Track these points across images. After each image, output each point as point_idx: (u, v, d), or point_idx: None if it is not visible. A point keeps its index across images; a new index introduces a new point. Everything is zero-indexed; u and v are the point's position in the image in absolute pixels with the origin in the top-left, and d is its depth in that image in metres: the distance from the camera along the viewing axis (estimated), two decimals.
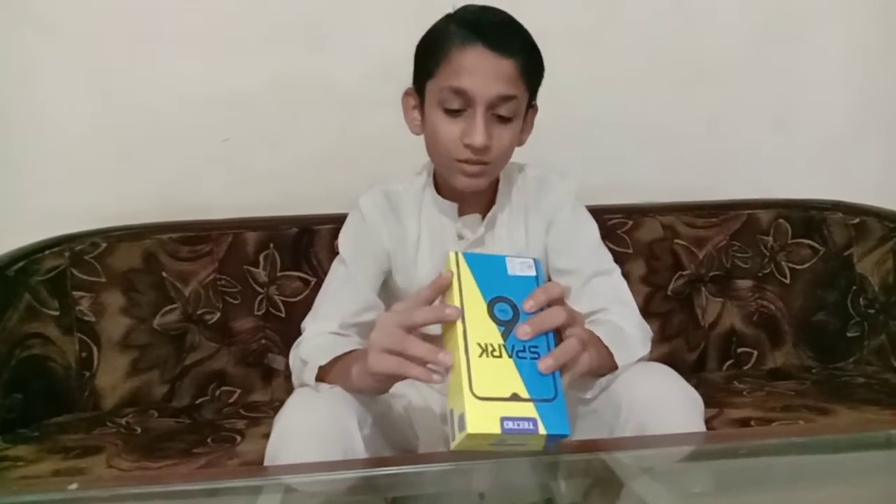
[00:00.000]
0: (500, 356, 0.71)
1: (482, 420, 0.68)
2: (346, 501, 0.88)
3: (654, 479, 0.87)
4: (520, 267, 0.76)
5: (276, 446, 0.86)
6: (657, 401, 0.90)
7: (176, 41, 1.59)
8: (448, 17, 1.01)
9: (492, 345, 0.71)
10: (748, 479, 0.88)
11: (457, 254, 0.76)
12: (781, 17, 1.76)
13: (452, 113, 0.98)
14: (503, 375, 0.70)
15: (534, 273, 0.77)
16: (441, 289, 0.76)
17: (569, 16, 1.66)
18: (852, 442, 0.96)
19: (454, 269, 0.75)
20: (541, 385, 0.71)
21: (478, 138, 0.96)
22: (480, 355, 0.71)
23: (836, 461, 0.95)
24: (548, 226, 1.11)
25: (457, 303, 0.73)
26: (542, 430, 0.69)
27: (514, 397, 0.69)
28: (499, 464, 0.82)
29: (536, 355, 0.72)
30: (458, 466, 0.83)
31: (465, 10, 1.01)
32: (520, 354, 0.72)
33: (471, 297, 0.74)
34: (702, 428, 0.92)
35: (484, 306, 0.73)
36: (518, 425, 0.68)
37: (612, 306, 1.05)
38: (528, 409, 0.69)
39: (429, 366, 0.75)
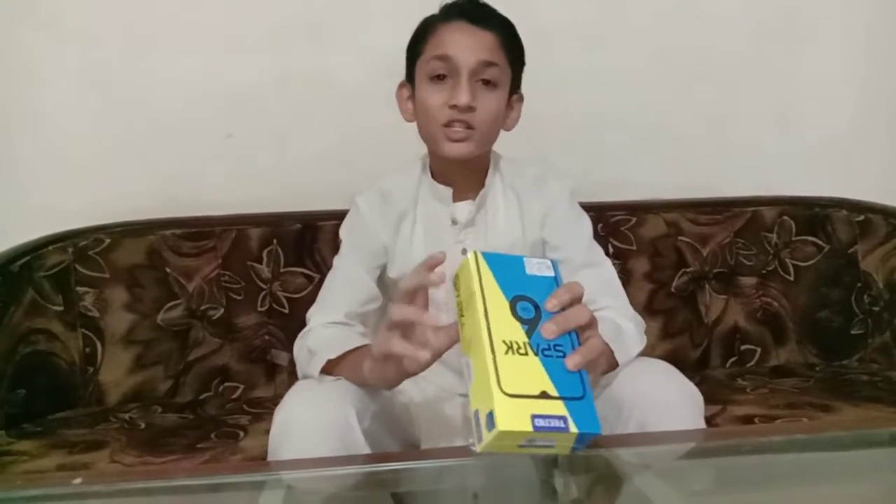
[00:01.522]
0: (526, 354, 0.69)
1: (513, 417, 0.66)
2: (348, 497, 0.88)
3: (658, 476, 0.87)
4: (538, 267, 0.76)
5: (278, 439, 0.87)
6: (658, 398, 0.90)
7: (178, 38, 1.59)
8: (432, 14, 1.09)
9: (517, 342, 0.70)
10: (751, 477, 0.88)
11: (476, 253, 0.74)
12: (784, 15, 1.76)
13: (438, 81, 1.03)
14: (531, 373, 0.69)
15: (552, 273, 0.76)
16: (422, 285, 0.79)
17: (573, 14, 1.65)
18: (856, 439, 0.96)
19: (474, 267, 0.73)
20: (569, 383, 0.69)
21: (462, 97, 1.00)
22: (506, 352, 0.69)
23: (840, 459, 0.95)
24: (543, 221, 1.13)
25: (479, 302, 0.71)
26: (573, 429, 0.67)
27: (544, 395, 0.68)
28: (499, 459, 0.82)
29: (562, 354, 0.71)
30: (459, 463, 0.84)
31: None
32: (545, 353, 0.70)
33: (492, 295, 0.72)
34: (702, 424, 0.93)
35: (506, 304, 0.72)
36: (549, 423, 0.66)
37: (602, 298, 1.07)
38: (559, 407, 0.68)
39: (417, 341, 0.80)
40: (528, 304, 0.72)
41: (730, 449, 0.94)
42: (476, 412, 0.69)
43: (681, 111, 1.74)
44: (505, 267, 0.74)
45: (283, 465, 0.85)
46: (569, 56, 1.66)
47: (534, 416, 0.66)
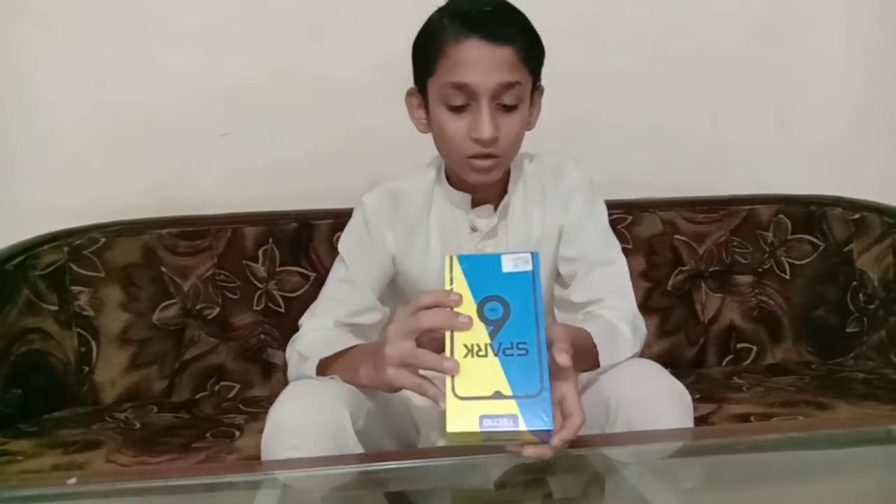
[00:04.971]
0: (486, 355, 0.72)
1: (461, 419, 0.69)
2: (343, 496, 0.88)
3: (654, 475, 0.87)
4: (514, 263, 0.76)
5: (271, 439, 0.86)
6: (645, 398, 0.90)
7: (175, 35, 1.59)
8: (440, 10, 0.99)
9: (478, 345, 0.72)
10: (748, 475, 0.88)
11: (451, 258, 0.76)
12: (782, 13, 1.76)
13: (457, 109, 0.96)
14: (487, 374, 0.71)
15: (530, 268, 0.76)
16: (442, 301, 0.75)
17: (570, 10, 1.65)
18: (851, 437, 0.96)
19: (448, 274, 0.76)
20: (525, 381, 0.71)
21: (485, 131, 0.95)
22: (466, 356, 0.72)
23: (836, 456, 0.95)
24: (564, 209, 1.10)
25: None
26: (521, 427, 0.69)
27: (497, 395, 0.70)
28: (496, 459, 0.81)
29: (524, 352, 0.72)
30: (456, 461, 0.84)
31: (455, 2, 0.98)
32: (506, 352, 0.72)
33: (461, 300, 0.74)
34: (690, 424, 0.92)
35: (474, 307, 0.74)
36: (497, 423, 0.69)
37: (609, 298, 1.05)
38: (510, 406, 0.70)
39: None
40: (497, 303, 0.74)
41: (726, 447, 0.94)
42: (444, 410, 0.72)
43: (677, 109, 1.74)
44: (480, 268, 0.76)
45: (279, 465, 0.85)
46: (566, 53, 1.64)
47: (482, 417, 0.69)
